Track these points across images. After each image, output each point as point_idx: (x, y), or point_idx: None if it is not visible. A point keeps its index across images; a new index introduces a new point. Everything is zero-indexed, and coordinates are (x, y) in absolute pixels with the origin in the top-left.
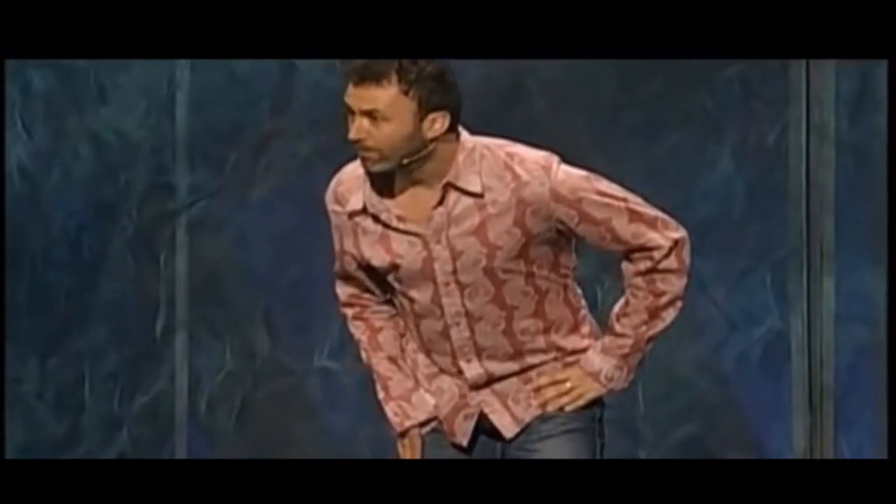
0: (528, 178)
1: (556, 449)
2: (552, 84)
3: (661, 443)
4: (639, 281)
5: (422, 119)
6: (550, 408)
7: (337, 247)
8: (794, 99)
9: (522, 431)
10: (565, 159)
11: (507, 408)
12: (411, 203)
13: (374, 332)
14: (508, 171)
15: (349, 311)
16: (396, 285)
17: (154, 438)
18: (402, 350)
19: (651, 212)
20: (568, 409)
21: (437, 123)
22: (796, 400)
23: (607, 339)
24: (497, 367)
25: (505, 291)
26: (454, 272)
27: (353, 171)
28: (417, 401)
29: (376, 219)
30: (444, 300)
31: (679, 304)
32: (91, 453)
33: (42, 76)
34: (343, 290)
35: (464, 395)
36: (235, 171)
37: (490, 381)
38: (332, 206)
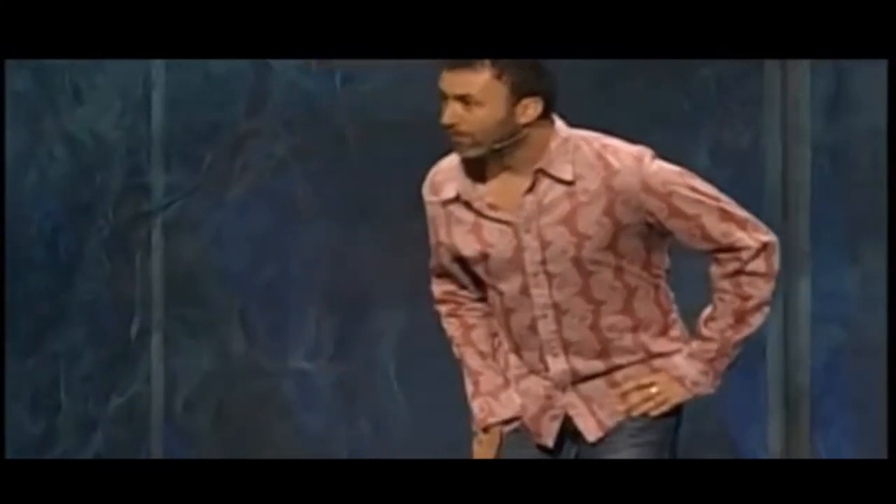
0: (620, 167)
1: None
2: None
3: None
4: (726, 284)
5: (514, 104)
6: (635, 413)
7: (433, 240)
8: (769, 99)
9: (605, 436)
10: None
11: (593, 412)
12: (502, 190)
13: (467, 329)
14: (601, 160)
15: (443, 308)
16: (486, 278)
17: (130, 439)
18: (495, 349)
19: (742, 213)
20: (652, 414)
21: (530, 109)
22: (772, 400)
23: (694, 344)
24: (582, 365)
25: (593, 284)
26: (543, 262)
27: (449, 161)
28: (506, 399)
29: (469, 206)
30: (533, 291)
31: (766, 309)
32: (68, 454)
33: (18, 77)
34: (438, 287)
35: (550, 396)
36: (211, 172)
37: (575, 379)
38: (427, 196)
